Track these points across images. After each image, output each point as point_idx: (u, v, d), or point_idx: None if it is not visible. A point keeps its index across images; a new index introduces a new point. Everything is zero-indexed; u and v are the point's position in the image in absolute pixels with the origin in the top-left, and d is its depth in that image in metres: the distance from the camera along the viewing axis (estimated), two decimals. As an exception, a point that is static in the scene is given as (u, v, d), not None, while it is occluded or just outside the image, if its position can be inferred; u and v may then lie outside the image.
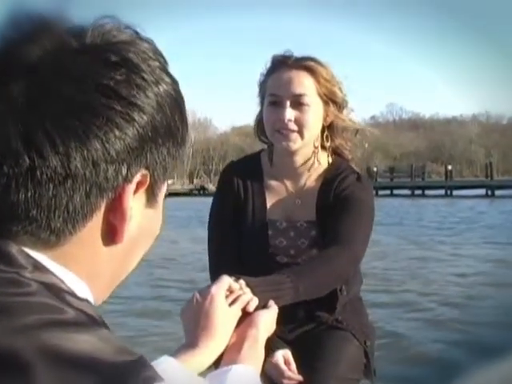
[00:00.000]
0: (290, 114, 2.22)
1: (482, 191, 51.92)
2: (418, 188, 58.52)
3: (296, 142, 2.24)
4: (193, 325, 1.44)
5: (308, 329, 2.30)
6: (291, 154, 2.30)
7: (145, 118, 0.73)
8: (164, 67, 0.79)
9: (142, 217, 0.79)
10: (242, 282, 1.61)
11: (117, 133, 0.71)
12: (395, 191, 59.02)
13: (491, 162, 62.86)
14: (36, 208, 0.69)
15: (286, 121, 2.21)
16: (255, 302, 1.57)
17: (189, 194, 65.61)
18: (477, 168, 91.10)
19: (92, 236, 0.74)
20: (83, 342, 0.63)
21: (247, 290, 1.59)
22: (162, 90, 0.76)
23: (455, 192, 54.44)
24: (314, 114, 2.25)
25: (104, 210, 0.73)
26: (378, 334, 2.63)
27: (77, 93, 0.70)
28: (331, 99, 2.27)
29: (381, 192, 53.83)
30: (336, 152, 2.38)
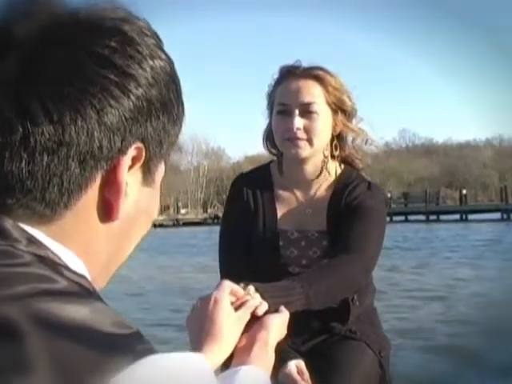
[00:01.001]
0: (298, 122, 2.22)
1: (498, 215, 51.51)
2: (433, 213, 58.12)
3: (305, 150, 2.24)
4: (197, 331, 1.42)
5: (321, 340, 2.27)
6: (301, 162, 2.30)
7: (140, 89, 0.73)
8: (159, 45, 0.78)
9: (138, 195, 0.78)
10: (251, 287, 1.60)
11: (111, 102, 0.70)
12: (410, 217, 58.67)
13: (506, 185, 62.54)
14: (30, 178, 0.69)
15: (294, 129, 2.21)
16: (265, 306, 1.55)
17: (203, 223, 65.49)
18: (491, 192, 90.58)
19: (87, 211, 0.73)
20: (75, 312, 0.62)
21: (256, 296, 1.58)
22: (157, 64, 0.76)
23: (470, 216, 54.02)
24: (323, 122, 2.25)
25: (99, 183, 0.72)
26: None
27: (70, 61, 0.69)
28: (340, 108, 2.27)
29: (395, 218, 53.56)
30: (346, 161, 2.38)
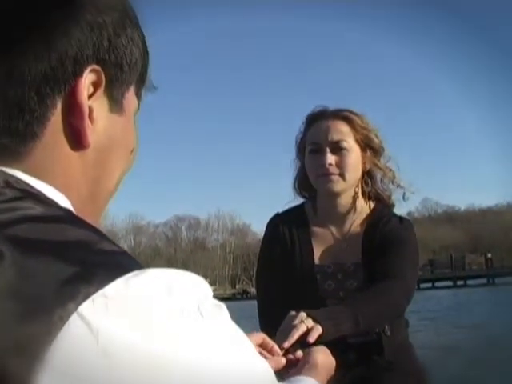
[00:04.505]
0: (330, 158, 2.30)
1: (526, 277, 51.05)
2: (460, 278, 57.72)
3: (338, 184, 2.33)
4: None
5: (360, 373, 2.29)
6: (334, 196, 2.38)
7: (88, 15, 0.72)
8: None
9: (108, 122, 0.76)
10: (302, 313, 1.71)
11: (59, 28, 0.70)
12: (437, 283, 58.22)
13: (531, 247, 62.11)
14: None
15: (327, 165, 2.30)
16: (318, 330, 1.66)
17: (231, 298, 65.58)
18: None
19: (57, 140, 0.72)
20: (58, 231, 0.61)
21: (309, 321, 1.69)
22: None
23: (497, 280, 53.86)
24: (353, 158, 2.34)
25: (61, 110, 0.71)
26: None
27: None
28: (368, 145, 2.37)
29: (422, 285, 52.82)
30: (377, 198, 2.46)
